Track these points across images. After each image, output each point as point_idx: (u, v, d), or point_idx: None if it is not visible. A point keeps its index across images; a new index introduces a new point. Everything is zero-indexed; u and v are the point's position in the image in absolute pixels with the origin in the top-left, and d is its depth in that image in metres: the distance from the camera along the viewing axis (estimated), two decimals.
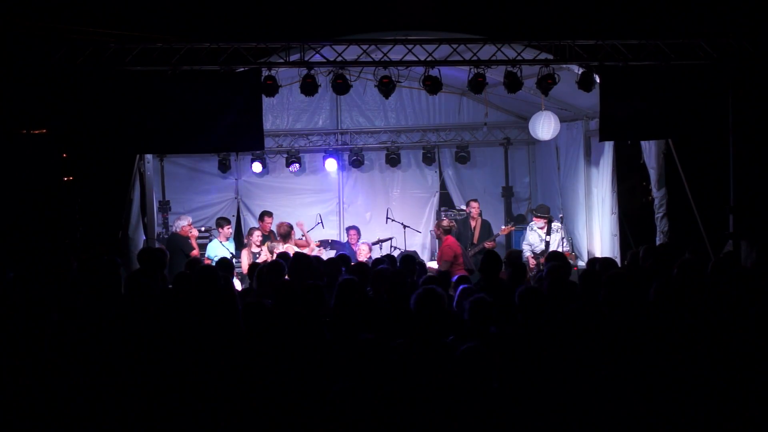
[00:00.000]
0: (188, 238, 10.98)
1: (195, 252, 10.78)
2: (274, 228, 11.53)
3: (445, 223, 10.59)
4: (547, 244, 11.22)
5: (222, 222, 11.58)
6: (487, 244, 11.73)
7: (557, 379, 4.27)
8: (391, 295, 5.92)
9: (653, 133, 10.10)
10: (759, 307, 5.08)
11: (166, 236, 11.98)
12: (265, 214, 11.86)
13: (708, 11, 9.83)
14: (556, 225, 11.43)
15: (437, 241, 10.86)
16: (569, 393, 4.14)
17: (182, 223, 11.07)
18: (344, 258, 8.45)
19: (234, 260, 10.45)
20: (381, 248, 12.18)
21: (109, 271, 6.91)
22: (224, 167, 13.00)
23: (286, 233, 11.09)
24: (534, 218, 11.68)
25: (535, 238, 11.51)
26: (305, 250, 10.68)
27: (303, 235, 11.62)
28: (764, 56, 9.30)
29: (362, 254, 11.03)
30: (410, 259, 7.70)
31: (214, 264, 10.23)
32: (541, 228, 11.44)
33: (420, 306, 4.57)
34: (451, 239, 10.33)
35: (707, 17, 9.77)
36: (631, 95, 9.49)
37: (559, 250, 10.65)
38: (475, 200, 12.54)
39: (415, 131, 13.76)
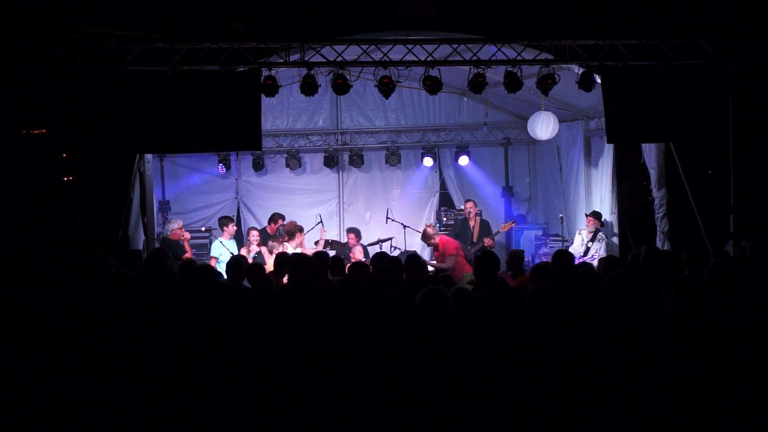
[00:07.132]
0: (180, 241, 10.71)
1: (188, 255, 10.49)
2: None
3: (430, 229, 10.50)
4: (587, 250, 11.05)
5: (225, 221, 11.50)
6: (487, 242, 11.62)
7: (563, 376, 4.25)
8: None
9: (659, 136, 10.07)
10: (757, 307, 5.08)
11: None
12: (279, 217, 11.65)
13: (708, 11, 9.84)
14: (601, 236, 11.16)
15: (432, 248, 10.76)
16: (574, 391, 4.13)
17: (173, 227, 10.74)
18: (336, 260, 8.32)
19: None
20: (381, 248, 12.16)
21: (102, 271, 6.87)
22: (224, 167, 12.98)
23: (291, 231, 10.96)
24: (587, 218, 11.29)
25: (577, 242, 11.25)
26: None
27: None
28: (764, 56, 9.30)
29: (356, 258, 11.00)
30: (415, 258, 7.54)
31: (218, 262, 10.27)
32: (589, 232, 11.12)
33: (424, 306, 4.52)
34: (444, 236, 10.43)
35: (707, 17, 9.78)
36: (633, 96, 9.50)
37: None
38: (470, 200, 12.50)
39: (415, 131, 13.76)
